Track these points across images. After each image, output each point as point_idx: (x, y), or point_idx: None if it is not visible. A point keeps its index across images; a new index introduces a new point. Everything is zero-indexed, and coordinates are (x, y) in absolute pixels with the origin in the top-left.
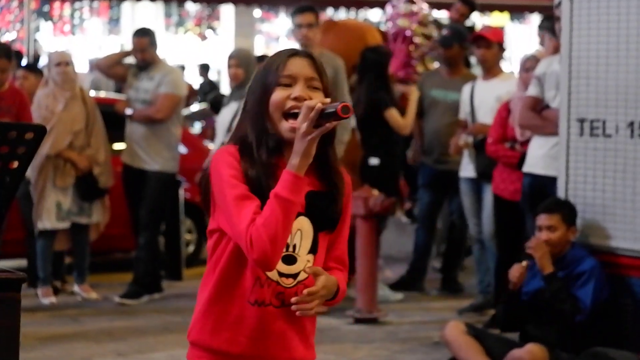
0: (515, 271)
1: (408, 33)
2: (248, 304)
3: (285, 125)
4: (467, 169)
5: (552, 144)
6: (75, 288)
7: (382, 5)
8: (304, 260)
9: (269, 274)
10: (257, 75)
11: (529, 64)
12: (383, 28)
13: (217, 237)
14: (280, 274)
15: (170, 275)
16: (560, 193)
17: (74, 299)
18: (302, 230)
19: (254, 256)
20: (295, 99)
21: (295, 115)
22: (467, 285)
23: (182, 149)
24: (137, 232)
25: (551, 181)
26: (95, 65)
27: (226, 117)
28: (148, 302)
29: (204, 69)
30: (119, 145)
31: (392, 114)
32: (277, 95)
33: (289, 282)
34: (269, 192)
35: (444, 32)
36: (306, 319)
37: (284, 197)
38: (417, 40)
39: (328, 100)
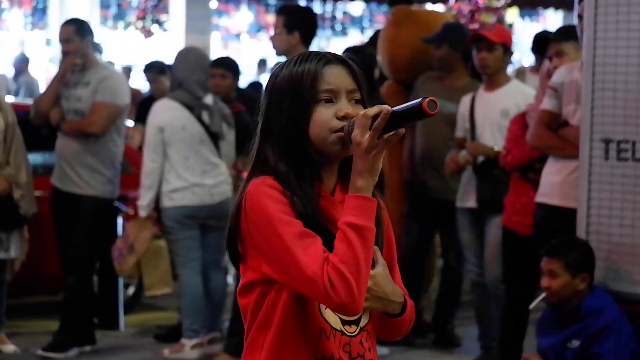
0: None
1: None
2: None
3: (332, 138)
4: (466, 198)
5: (571, 169)
6: None
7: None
8: None
9: (333, 322)
10: (281, 91)
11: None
12: None
13: (262, 289)
14: (344, 322)
15: (105, 324)
16: (580, 229)
17: None
18: None
19: (339, 299)
20: (344, 117)
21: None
22: (465, 339)
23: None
24: (67, 270)
25: (570, 214)
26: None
27: None
28: (78, 355)
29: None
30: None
31: None
32: (322, 115)
33: (352, 330)
34: (321, 228)
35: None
36: None
37: (360, 224)
38: None
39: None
